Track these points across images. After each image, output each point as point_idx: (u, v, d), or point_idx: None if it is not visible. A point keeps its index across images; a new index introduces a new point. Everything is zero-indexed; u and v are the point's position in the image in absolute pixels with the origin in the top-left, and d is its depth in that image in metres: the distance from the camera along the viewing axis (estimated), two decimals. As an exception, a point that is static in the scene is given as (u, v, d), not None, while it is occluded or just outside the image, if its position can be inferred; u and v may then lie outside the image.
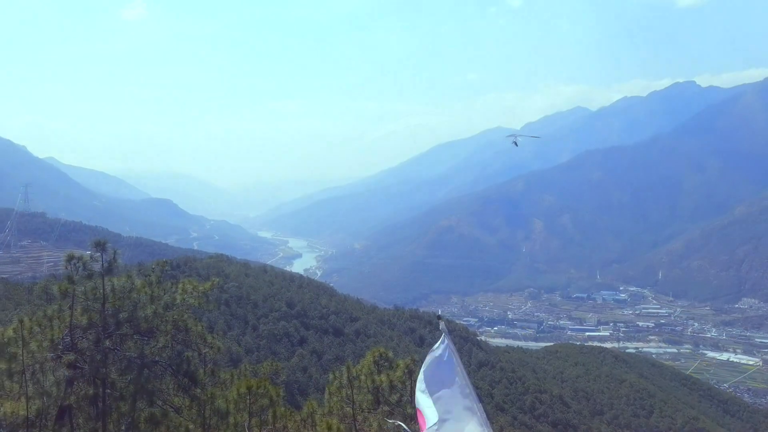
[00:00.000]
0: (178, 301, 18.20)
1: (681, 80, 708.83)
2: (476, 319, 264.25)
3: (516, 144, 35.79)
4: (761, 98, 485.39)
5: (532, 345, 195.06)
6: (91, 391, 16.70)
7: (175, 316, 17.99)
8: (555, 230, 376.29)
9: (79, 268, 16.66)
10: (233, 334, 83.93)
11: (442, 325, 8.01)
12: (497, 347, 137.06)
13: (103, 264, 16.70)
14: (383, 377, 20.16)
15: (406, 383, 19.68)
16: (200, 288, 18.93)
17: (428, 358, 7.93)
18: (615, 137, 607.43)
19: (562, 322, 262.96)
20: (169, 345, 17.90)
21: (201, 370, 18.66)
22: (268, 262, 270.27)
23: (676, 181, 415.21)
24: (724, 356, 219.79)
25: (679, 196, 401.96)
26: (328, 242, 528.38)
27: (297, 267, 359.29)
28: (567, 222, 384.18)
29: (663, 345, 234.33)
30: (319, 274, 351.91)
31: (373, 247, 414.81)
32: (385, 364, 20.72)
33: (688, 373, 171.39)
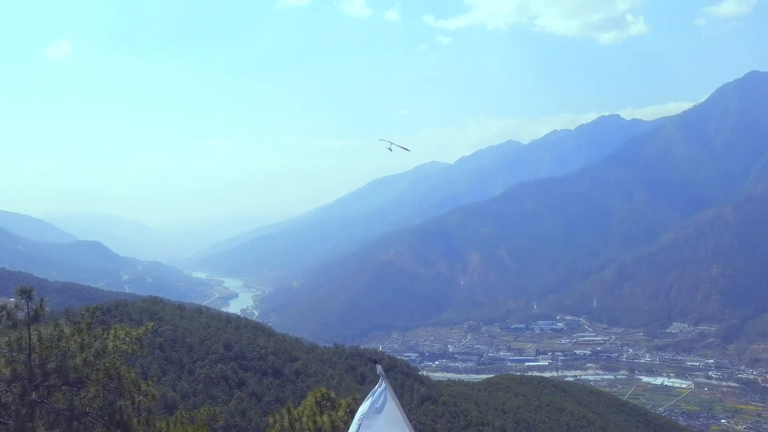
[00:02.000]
0: (110, 348, 17.59)
1: (606, 114, 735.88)
2: (417, 354, 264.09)
3: (390, 150, 38.69)
4: (680, 130, 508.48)
5: (474, 377, 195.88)
6: (16, 448, 15.87)
7: (107, 364, 17.35)
8: (492, 262, 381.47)
9: (3, 318, 15.95)
10: (168, 379, 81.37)
11: (379, 369, 7.97)
12: (439, 381, 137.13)
13: (28, 312, 16.03)
14: (325, 418, 19.87)
15: (349, 423, 19.43)
16: (133, 333, 18.37)
17: (365, 405, 7.84)
18: (546, 169, 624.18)
19: (502, 353, 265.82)
20: (101, 394, 17.22)
21: (135, 420, 17.99)
22: (203, 304, 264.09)
23: (606, 211, 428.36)
24: (659, 380, 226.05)
25: (609, 225, 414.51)
26: (264, 281, 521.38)
27: (233, 307, 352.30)
28: (503, 253, 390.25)
29: (600, 372, 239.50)
30: (256, 314, 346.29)
31: (311, 284, 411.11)
32: (327, 404, 20.44)
33: (625, 398, 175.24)
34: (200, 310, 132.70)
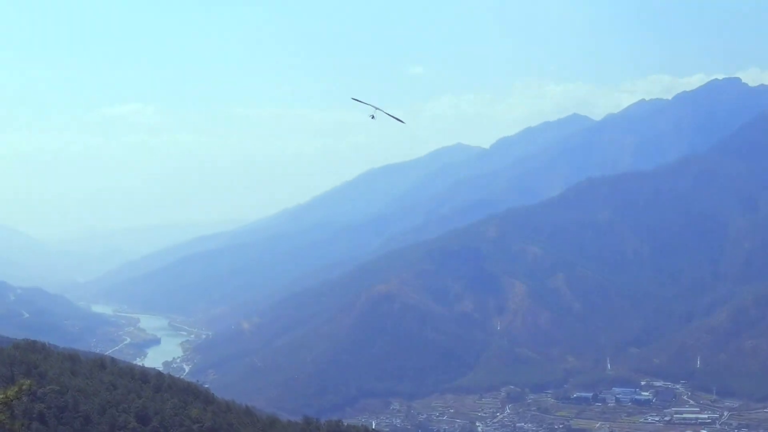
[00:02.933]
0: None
1: (720, 77, 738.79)
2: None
3: (373, 117, 39.03)
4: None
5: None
6: None
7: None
8: (544, 298, 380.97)
9: None
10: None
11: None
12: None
13: None
14: None
15: None
16: (0, 396, 18.28)
17: None
18: (628, 159, 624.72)
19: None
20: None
21: None
22: (107, 353, 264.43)
23: (718, 224, 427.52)
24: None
25: (724, 245, 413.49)
26: (201, 320, 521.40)
27: (153, 359, 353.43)
28: (561, 285, 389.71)
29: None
30: (187, 370, 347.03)
31: (271, 326, 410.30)
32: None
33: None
34: (102, 363, 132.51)
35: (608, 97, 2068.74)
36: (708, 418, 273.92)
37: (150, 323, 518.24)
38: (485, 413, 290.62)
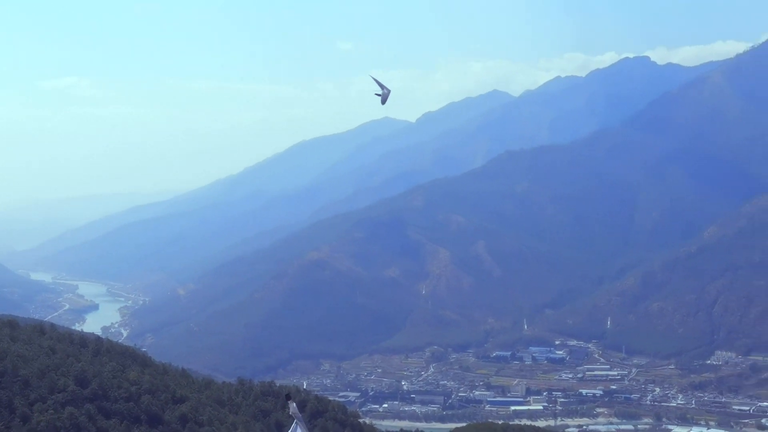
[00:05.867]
0: None
1: (630, 55, 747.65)
2: (358, 394, 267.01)
3: (378, 95, 39.15)
4: (732, 80, 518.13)
5: (438, 427, 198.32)
6: None
7: None
8: (466, 263, 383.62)
9: None
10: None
11: (292, 407, 8.14)
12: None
13: None
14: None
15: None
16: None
17: None
18: (545, 133, 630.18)
19: (478, 392, 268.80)
20: None
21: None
22: (46, 319, 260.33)
23: (628, 194, 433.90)
24: (695, 431, 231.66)
25: (633, 213, 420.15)
26: (138, 287, 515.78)
27: (92, 324, 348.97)
28: (482, 251, 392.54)
29: (615, 420, 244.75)
30: (125, 335, 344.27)
31: (206, 292, 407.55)
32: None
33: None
34: (41, 329, 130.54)
35: (526, 74, 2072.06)
36: (617, 374, 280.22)
37: (89, 290, 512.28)
38: (411, 372, 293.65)
